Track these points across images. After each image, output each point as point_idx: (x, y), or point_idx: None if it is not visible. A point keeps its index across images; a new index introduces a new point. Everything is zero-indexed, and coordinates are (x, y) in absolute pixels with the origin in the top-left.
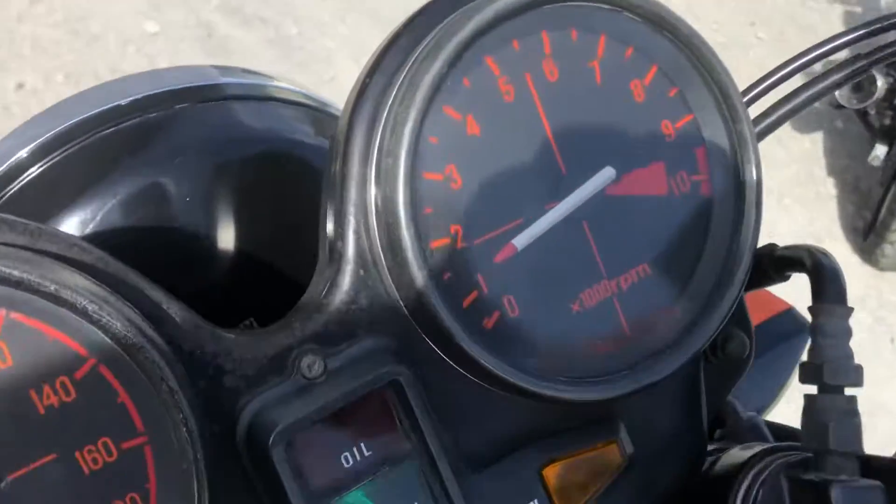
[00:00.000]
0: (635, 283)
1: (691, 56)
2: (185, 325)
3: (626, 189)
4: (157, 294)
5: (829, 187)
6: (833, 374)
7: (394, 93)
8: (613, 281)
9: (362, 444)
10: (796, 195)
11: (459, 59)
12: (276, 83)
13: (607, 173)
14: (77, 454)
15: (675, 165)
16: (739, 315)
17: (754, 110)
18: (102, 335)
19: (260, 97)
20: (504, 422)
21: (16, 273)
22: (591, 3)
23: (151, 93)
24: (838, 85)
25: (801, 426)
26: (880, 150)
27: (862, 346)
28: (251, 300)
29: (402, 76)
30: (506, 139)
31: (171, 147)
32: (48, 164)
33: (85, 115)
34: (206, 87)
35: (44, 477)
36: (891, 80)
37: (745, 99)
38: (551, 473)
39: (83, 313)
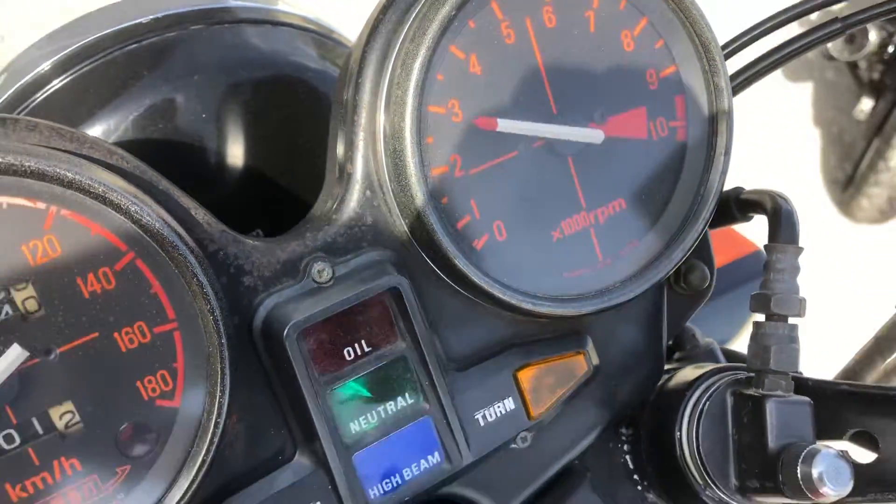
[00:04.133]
0: (611, 216)
1: (678, 11)
2: (210, 229)
3: (610, 130)
4: (186, 200)
5: (816, 138)
6: (779, 304)
7: (405, 30)
8: (591, 213)
9: (363, 341)
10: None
11: (467, 2)
12: (286, 9)
13: (595, 134)
14: (115, 334)
15: (656, 111)
16: (703, 250)
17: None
18: (141, 233)
19: (273, 21)
20: (486, 330)
21: (69, 174)
22: None
23: (168, 12)
24: (830, 38)
25: (748, 349)
26: (866, 104)
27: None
28: (258, 213)
29: (414, 14)
30: (504, 79)
31: (189, 65)
32: (72, 76)
33: (106, 32)
34: (218, 10)
35: (87, 352)
36: (884, 33)
37: (731, 49)
38: (524, 376)
39: (126, 213)
